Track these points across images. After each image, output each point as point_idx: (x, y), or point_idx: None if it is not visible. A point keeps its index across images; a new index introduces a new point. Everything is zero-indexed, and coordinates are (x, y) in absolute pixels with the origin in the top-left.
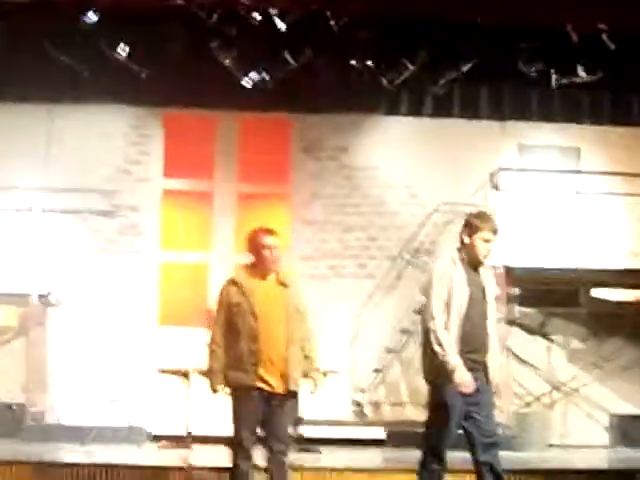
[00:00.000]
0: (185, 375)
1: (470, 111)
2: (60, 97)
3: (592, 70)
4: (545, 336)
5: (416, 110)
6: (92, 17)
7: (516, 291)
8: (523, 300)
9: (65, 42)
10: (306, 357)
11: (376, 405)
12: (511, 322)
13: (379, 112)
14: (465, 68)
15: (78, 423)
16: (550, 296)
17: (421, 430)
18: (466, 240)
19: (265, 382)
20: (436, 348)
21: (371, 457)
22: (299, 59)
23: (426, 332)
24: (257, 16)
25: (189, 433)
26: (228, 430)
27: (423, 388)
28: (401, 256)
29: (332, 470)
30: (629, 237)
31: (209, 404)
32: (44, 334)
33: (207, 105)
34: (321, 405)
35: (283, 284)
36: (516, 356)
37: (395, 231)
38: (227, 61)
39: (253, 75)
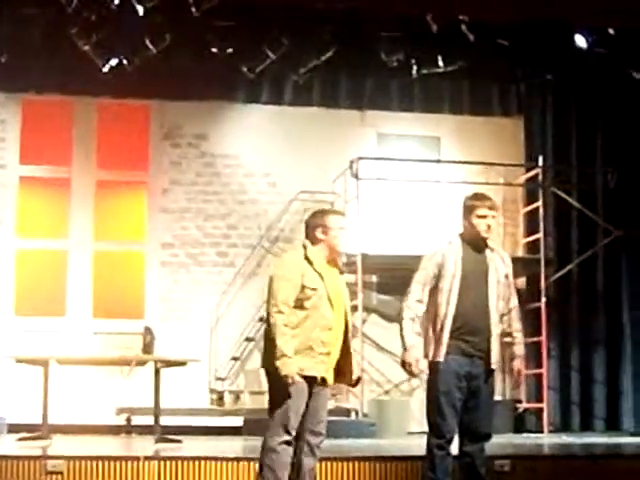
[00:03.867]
0: (43, 364)
1: (330, 100)
2: None
3: (452, 60)
4: None
5: (276, 98)
6: None
7: (374, 278)
8: (381, 287)
9: None
10: None
11: (235, 394)
12: (369, 309)
13: (239, 100)
14: (325, 57)
15: None
16: (408, 283)
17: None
18: (464, 222)
19: (326, 374)
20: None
21: (231, 446)
22: (158, 45)
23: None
24: (116, 1)
25: (47, 423)
26: (88, 419)
27: None
28: (261, 244)
29: (191, 459)
30: None
31: (67, 393)
32: None
33: (66, 91)
34: (180, 394)
35: (341, 270)
36: (375, 343)
37: (255, 219)
38: (86, 47)
39: (112, 61)
